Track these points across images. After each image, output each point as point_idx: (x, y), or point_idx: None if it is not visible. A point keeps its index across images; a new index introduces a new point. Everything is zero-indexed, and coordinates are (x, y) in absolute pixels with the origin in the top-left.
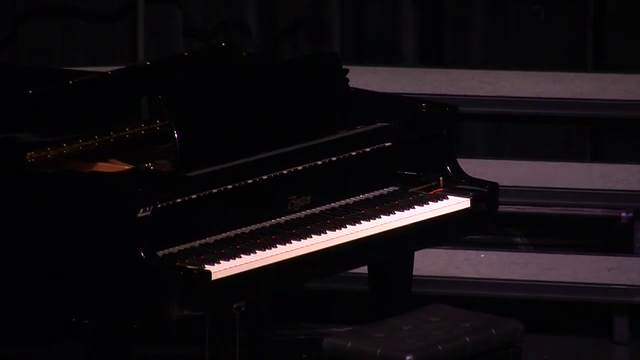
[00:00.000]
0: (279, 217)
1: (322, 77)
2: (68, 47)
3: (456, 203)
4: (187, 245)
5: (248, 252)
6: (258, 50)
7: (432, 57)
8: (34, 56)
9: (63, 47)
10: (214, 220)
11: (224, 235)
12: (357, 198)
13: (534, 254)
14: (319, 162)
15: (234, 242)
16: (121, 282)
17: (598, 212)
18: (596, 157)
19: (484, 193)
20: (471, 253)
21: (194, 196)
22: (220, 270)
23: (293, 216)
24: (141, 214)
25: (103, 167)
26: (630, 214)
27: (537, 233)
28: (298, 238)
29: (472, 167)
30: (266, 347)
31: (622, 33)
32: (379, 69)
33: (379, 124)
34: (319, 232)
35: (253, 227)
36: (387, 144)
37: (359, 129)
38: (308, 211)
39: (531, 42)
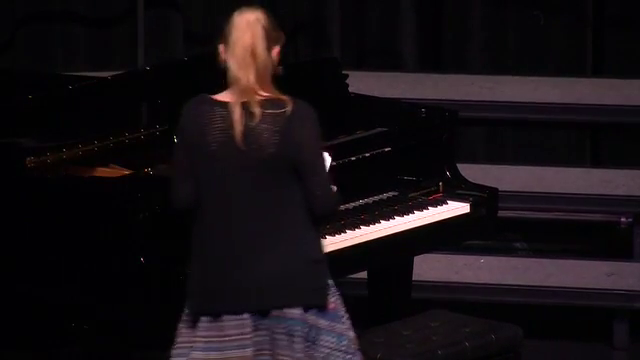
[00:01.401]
0: None
1: (322, 82)
2: (68, 52)
3: (456, 208)
4: (186, 250)
5: None
6: None
7: (432, 62)
8: (33, 61)
9: (63, 52)
10: None
11: None
12: (356, 203)
13: (534, 259)
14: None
15: None
16: (120, 287)
17: (598, 217)
18: (596, 162)
19: (484, 198)
20: (471, 258)
21: None
22: None
23: None
24: (140, 219)
25: (103, 172)
26: (630, 219)
27: (537, 238)
28: None
29: (472, 172)
30: None
31: (622, 39)
32: (379, 74)
33: (379, 129)
34: None
35: None
36: (387, 149)
37: (359, 134)
38: None
39: (531, 47)
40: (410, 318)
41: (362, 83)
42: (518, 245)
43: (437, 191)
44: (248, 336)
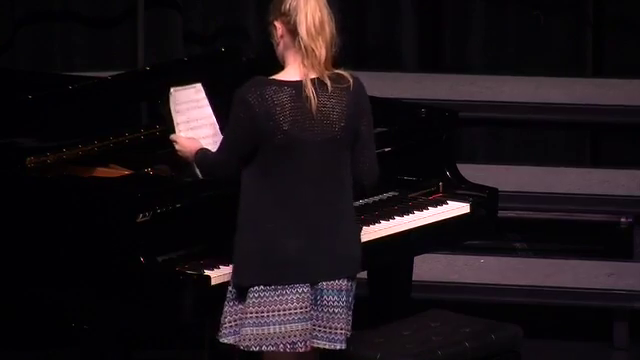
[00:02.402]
0: None
1: None
2: (68, 52)
3: (456, 208)
4: (186, 250)
5: None
6: (258, 55)
7: (432, 62)
8: (34, 61)
9: (63, 52)
10: (213, 225)
11: (224, 240)
12: (357, 203)
13: (534, 259)
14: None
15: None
16: (120, 287)
17: (598, 217)
18: (596, 162)
19: (483, 198)
20: (471, 258)
21: (194, 201)
22: (219, 275)
23: None
24: (140, 219)
25: (103, 172)
26: (630, 219)
27: (537, 238)
28: None
29: (472, 172)
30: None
31: (621, 39)
32: (379, 74)
33: (379, 129)
34: None
35: None
36: (387, 149)
37: None
38: None
39: (531, 47)
40: (410, 318)
41: None
42: (518, 245)
43: (437, 191)
44: (308, 309)
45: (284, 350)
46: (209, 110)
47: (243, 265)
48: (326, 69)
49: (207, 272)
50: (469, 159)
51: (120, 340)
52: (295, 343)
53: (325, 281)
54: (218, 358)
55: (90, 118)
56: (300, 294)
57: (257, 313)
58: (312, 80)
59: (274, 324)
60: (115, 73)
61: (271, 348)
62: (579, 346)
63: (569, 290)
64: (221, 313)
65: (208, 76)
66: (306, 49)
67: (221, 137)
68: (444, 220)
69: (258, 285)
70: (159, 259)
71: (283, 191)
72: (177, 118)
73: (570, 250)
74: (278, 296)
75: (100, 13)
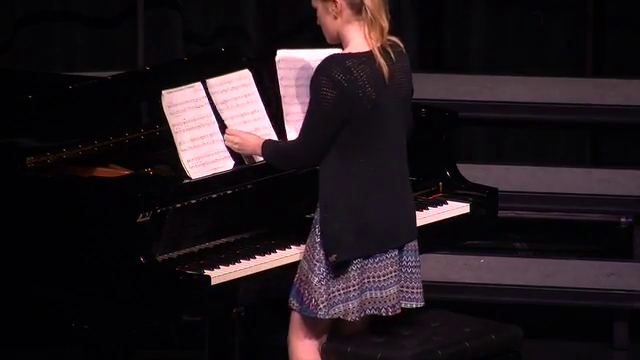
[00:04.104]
0: (279, 222)
1: None
2: (68, 52)
3: (456, 208)
4: (186, 250)
5: (247, 257)
6: (258, 54)
7: (432, 62)
8: (34, 61)
9: (63, 52)
10: (213, 225)
11: (224, 240)
12: None
13: (534, 259)
14: (318, 166)
15: (234, 247)
16: (120, 287)
17: (597, 217)
18: (596, 162)
19: (483, 198)
20: (471, 258)
21: (193, 201)
22: (220, 275)
23: (293, 221)
24: (140, 219)
25: (103, 172)
26: (629, 219)
27: (537, 238)
28: (297, 243)
29: (472, 172)
30: (266, 353)
31: (621, 39)
32: None
33: None
34: None
35: (253, 232)
36: None
37: None
38: (308, 216)
39: (531, 47)
40: (410, 318)
41: None
42: (518, 245)
43: (437, 191)
44: (398, 272)
45: (386, 314)
46: (208, 109)
47: (340, 241)
48: (387, 37)
49: (207, 272)
50: (469, 159)
51: (120, 340)
52: (394, 305)
53: (407, 243)
54: (218, 359)
55: (90, 118)
56: (392, 258)
57: (359, 284)
58: (378, 49)
59: (374, 289)
60: (115, 73)
61: (374, 312)
62: (579, 346)
63: (569, 290)
64: (304, 294)
65: (208, 76)
66: (374, 19)
67: (220, 136)
68: (444, 220)
69: (358, 258)
70: (159, 259)
71: (372, 163)
72: (171, 120)
73: (570, 250)
74: (377, 263)
75: (100, 13)
